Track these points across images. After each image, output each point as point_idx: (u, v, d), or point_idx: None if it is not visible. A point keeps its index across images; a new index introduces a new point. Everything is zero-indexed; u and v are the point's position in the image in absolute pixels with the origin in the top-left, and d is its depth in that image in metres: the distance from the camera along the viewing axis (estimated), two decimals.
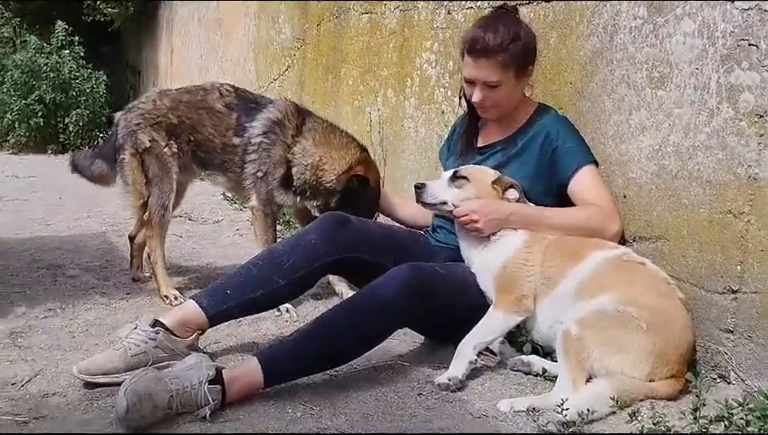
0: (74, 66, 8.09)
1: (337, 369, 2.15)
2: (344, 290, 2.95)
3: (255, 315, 2.52)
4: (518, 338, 2.28)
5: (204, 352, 2.26)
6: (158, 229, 2.97)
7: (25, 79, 7.67)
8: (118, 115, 3.11)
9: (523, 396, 2.05)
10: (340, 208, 2.64)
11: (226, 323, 2.39)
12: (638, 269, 2.12)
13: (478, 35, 2.35)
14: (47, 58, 7.80)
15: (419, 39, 3.61)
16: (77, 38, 8.28)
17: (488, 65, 2.35)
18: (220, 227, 4.44)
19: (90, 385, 2.05)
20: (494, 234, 2.29)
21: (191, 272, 3.38)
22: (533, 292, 2.19)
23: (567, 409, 1.79)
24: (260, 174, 2.92)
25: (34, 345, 2.38)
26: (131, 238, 3.22)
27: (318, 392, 2.04)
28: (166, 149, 2.95)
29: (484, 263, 2.29)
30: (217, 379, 1.90)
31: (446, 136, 2.86)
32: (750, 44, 1.94)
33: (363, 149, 2.97)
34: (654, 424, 1.77)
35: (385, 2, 3.92)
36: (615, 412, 1.87)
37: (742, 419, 1.73)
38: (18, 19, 9.36)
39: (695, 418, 1.77)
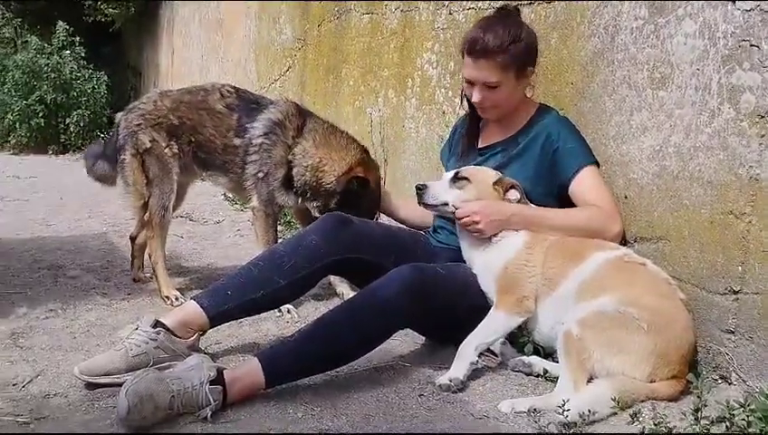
0: (75, 67, 8.10)
1: (338, 369, 2.15)
2: (345, 291, 2.95)
3: (256, 316, 2.52)
4: (519, 339, 2.28)
5: (205, 353, 2.26)
6: (158, 230, 2.97)
7: (26, 79, 7.68)
8: (119, 116, 3.11)
9: (525, 397, 2.05)
10: (340, 209, 2.64)
11: (227, 323, 2.39)
12: (639, 270, 2.12)
13: (478, 36, 2.35)
14: (48, 58, 7.81)
15: (420, 39, 3.61)
16: (78, 38, 8.29)
17: (488, 66, 2.35)
18: (221, 227, 4.44)
19: (91, 386, 2.05)
20: (495, 235, 2.29)
21: (192, 272, 3.38)
22: (535, 293, 2.19)
23: (568, 410, 1.79)
24: (261, 175, 2.92)
25: (36, 346, 2.38)
26: (132, 239, 3.22)
27: (319, 393, 2.04)
28: (166, 150, 2.95)
29: (485, 264, 2.29)
30: (218, 379, 1.90)
31: (447, 136, 2.86)
32: (751, 45, 1.93)
33: (364, 151, 2.97)
34: (655, 425, 1.77)
35: (386, 2, 3.92)
36: (616, 413, 1.87)
37: (743, 420, 1.73)
38: (19, 19, 9.38)
39: (696, 419, 1.77)
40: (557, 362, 2.08)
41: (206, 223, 4.54)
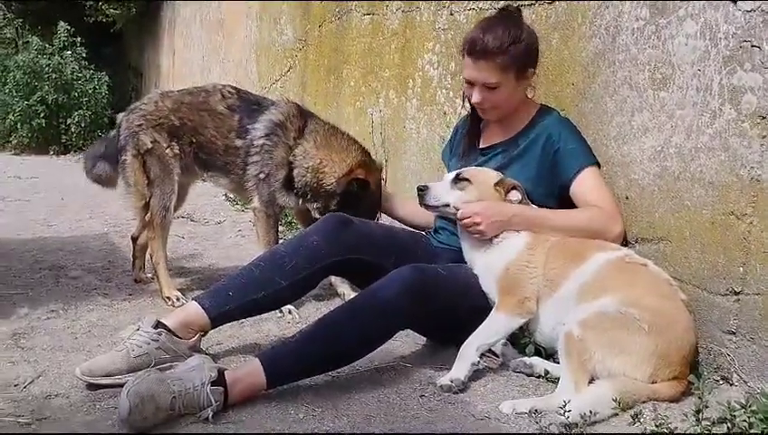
0: (76, 67, 8.11)
1: (339, 370, 2.15)
2: (346, 291, 2.95)
3: (257, 317, 2.53)
4: (520, 340, 2.28)
5: (206, 354, 2.26)
6: (159, 230, 2.97)
7: (27, 80, 7.69)
8: (120, 116, 3.11)
9: (526, 398, 2.05)
10: (341, 211, 2.64)
11: (229, 324, 2.39)
12: (641, 271, 2.12)
13: (478, 37, 2.35)
14: (49, 59, 7.82)
15: (421, 40, 3.61)
16: (79, 39, 8.30)
17: (487, 67, 2.35)
18: (222, 228, 4.45)
19: (92, 386, 2.05)
20: (496, 236, 2.29)
21: (193, 273, 3.39)
22: (536, 294, 2.19)
23: (569, 410, 1.79)
24: (262, 176, 2.93)
25: (37, 346, 2.38)
26: (134, 239, 3.22)
27: (320, 394, 2.04)
28: (168, 151, 2.95)
29: (486, 265, 2.29)
30: (220, 380, 1.90)
31: (449, 137, 2.86)
32: (752, 46, 1.93)
33: (365, 153, 2.97)
34: (656, 426, 1.77)
35: (387, 3, 3.92)
36: (617, 414, 1.87)
37: (744, 421, 1.72)
38: (20, 20, 9.38)
39: (697, 420, 1.77)
40: (558, 362, 2.07)
41: (208, 223, 4.55)
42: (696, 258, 2.13)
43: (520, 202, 2.32)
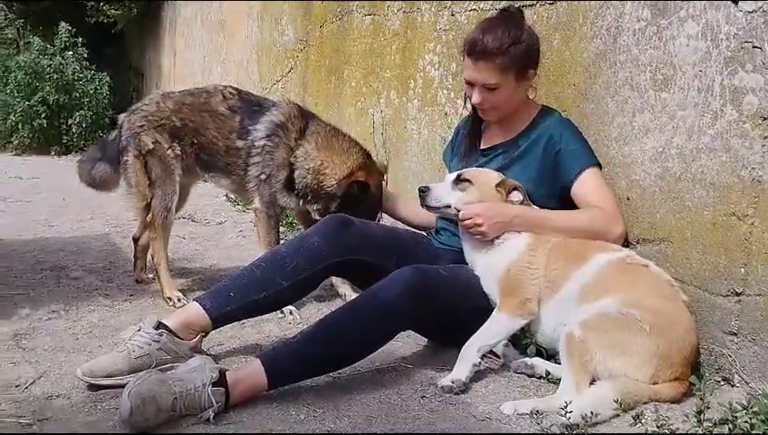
0: (77, 68, 8.11)
1: (340, 371, 2.15)
2: (347, 292, 2.95)
3: (259, 317, 2.52)
4: (522, 340, 2.28)
5: (207, 355, 2.26)
6: (161, 231, 2.98)
7: (29, 80, 7.69)
8: (122, 117, 3.12)
9: (527, 399, 2.05)
10: (341, 213, 2.64)
11: (230, 325, 2.39)
12: (642, 272, 2.12)
13: (478, 38, 2.35)
14: (50, 59, 7.83)
15: (422, 41, 3.61)
16: (80, 39, 8.30)
17: (486, 68, 2.35)
18: (223, 228, 4.45)
19: (93, 387, 2.05)
20: (497, 237, 2.29)
21: (194, 273, 3.39)
22: (537, 295, 2.19)
23: (571, 411, 1.79)
24: (263, 176, 2.93)
25: (38, 347, 2.38)
26: (135, 240, 3.22)
27: (321, 395, 2.04)
28: (169, 151, 2.96)
29: (487, 266, 2.29)
30: (221, 381, 1.90)
31: (450, 137, 2.86)
32: (754, 47, 1.93)
33: (366, 155, 2.97)
34: (658, 427, 1.77)
35: (388, 3, 3.92)
36: (619, 415, 1.87)
37: (746, 422, 1.72)
38: (21, 20, 9.40)
39: (698, 421, 1.77)
40: (559, 363, 2.07)
41: (209, 224, 4.55)
42: (697, 259, 2.13)
43: (521, 203, 2.32)
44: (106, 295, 2.98)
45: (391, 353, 2.34)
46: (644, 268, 2.12)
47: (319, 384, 2.10)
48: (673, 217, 2.21)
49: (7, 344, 2.39)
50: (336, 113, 4.45)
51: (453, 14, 3.35)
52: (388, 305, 2.12)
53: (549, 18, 2.71)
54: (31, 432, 1.82)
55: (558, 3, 2.68)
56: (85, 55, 8.32)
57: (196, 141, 3.00)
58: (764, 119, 1.92)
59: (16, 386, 2.07)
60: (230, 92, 3.06)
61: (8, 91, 7.79)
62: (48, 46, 8.00)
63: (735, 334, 2.03)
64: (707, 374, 2.06)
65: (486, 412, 1.97)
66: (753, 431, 1.71)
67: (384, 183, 3.01)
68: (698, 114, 2.10)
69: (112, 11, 9.75)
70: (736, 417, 1.73)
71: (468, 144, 2.63)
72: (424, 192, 2.38)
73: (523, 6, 2.66)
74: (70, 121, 7.85)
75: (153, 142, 2.94)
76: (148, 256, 3.16)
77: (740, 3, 1.97)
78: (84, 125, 7.87)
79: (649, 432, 1.77)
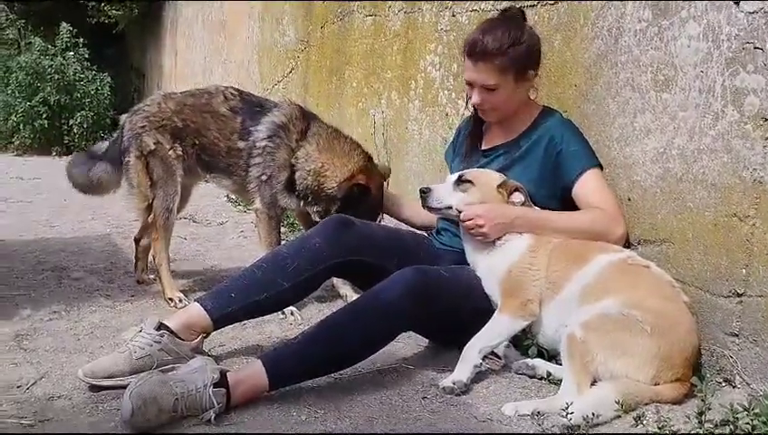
0: (79, 68, 8.10)
1: (341, 372, 2.15)
2: (348, 293, 2.95)
3: (260, 318, 2.52)
4: (523, 341, 2.28)
5: (208, 356, 2.26)
6: (162, 232, 2.98)
7: (30, 81, 7.69)
8: (123, 118, 3.12)
9: (528, 399, 2.05)
10: None
11: (231, 325, 2.39)
12: (643, 272, 2.12)
13: (477, 38, 2.35)
14: (52, 60, 7.82)
15: (423, 41, 3.61)
16: (81, 40, 8.29)
17: (485, 69, 2.35)
18: (224, 229, 4.45)
19: (95, 388, 2.05)
20: (499, 238, 2.29)
21: (196, 274, 3.39)
22: (539, 296, 2.19)
23: (572, 412, 1.79)
24: (264, 177, 2.93)
25: (39, 348, 2.38)
26: (136, 241, 3.22)
27: (322, 396, 2.05)
28: (170, 152, 2.96)
29: (489, 267, 2.29)
30: (222, 382, 1.90)
31: (452, 138, 2.86)
32: (755, 48, 1.93)
33: (367, 157, 2.96)
34: (659, 428, 1.77)
35: (389, 2, 3.92)
36: (620, 416, 1.87)
37: (747, 423, 1.72)
38: (23, 21, 9.40)
39: (700, 422, 1.77)
40: (561, 364, 2.07)
41: (210, 224, 4.54)
42: (698, 260, 2.13)
43: (523, 204, 2.32)
44: (107, 296, 2.98)
45: (392, 354, 2.34)
46: (645, 269, 2.12)
47: (320, 385, 2.10)
48: (674, 217, 2.20)
49: (9, 345, 2.39)
50: (337, 114, 4.45)
51: (454, 15, 3.35)
52: (389, 306, 2.12)
53: (550, 19, 2.71)
54: (32, 433, 1.82)
55: (559, 3, 2.68)
56: (86, 56, 8.31)
57: (197, 142, 3.00)
58: (765, 120, 1.92)
59: (18, 387, 2.07)
60: (232, 93, 3.06)
61: (9, 92, 7.78)
62: (49, 47, 7.99)
63: (737, 335, 2.03)
64: (709, 375, 2.06)
65: (488, 413, 1.97)
66: (755, 433, 1.71)
67: (385, 185, 3.01)
68: (699, 115, 2.10)
69: (113, 11, 9.74)
70: (738, 418, 1.73)
71: (469, 145, 2.63)
72: (425, 193, 2.38)
73: (524, 7, 2.66)
74: (71, 122, 7.84)
75: (155, 143, 2.95)
76: (150, 257, 3.16)
77: (741, 3, 1.97)
78: (85, 125, 7.87)
79: (650, 433, 1.77)
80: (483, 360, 2.18)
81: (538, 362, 2.22)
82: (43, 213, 4.66)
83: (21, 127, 7.72)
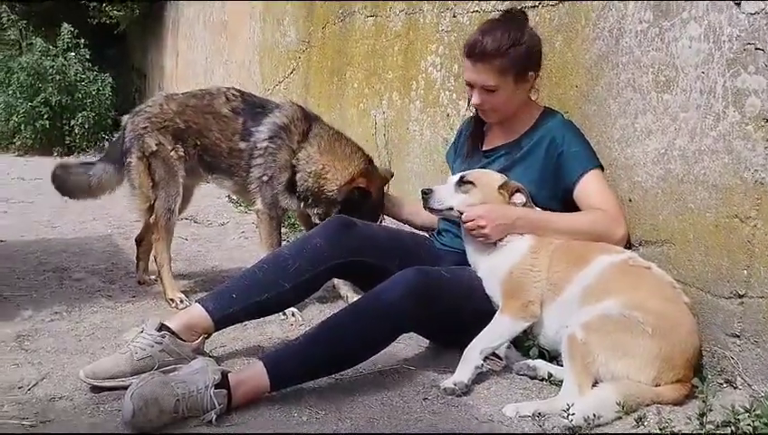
0: (80, 69, 8.12)
1: (342, 373, 2.15)
2: (349, 294, 2.95)
3: (261, 319, 2.52)
4: (524, 342, 2.28)
5: (210, 356, 2.26)
6: (164, 232, 2.98)
7: (31, 81, 7.70)
8: (125, 119, 3.12)
9: (529, 401, 2.05)
10: None
11: (232, 326, 2.39)
12: (644, 273, 2.11)
13: (477, 39, 2.35)
14: (53, 60, 7.84)
15: (425, 42, 3.61)
16: (83, 41, 8.31)
17: (485, 69, 2.35)
18: (225, 229, 4.45)
19: (96, 389, 2.05)
20: (500, 239, 2.29)
21: (197, 275, 3.39)
22: (540, 297, 2.19)
23: (573, 413, 1.79)
24: (265, 178, 2.93)
25: (41, 349, 2.38)
26: (138, 241, 3.23)
27: (323, 396, 2.05)
28: (172, 153, 2.96)
29: (490, 268, 2.29)
30: (223, 383, 1.90)
31: (453, 139, 2.86)
32: (756, 48, 1.93)
33: (368, 160, 2.96)
34: (660, 429, 1.77)
35: (390, 3, 3.92)
36: (621, 417, 1.87)
37: (749, 424, 1.72)
38: (24, 22, 9.39)
39: (701, 423, 1.77)
40: (562, 365, 2.07)
41: (211, 225, 4.55)
42: (699, 261, 2.13)
43: (524, 205, 2.31)
44: (108, 297, 2.98)
45: (393, 355, 2.34)
46: (646, 270, 2.12)
47: (321, 386, 2.10)
48: (675, 218, 2.20)
49: (10, 346, 2.39)
50: (338, 114, 4.45)
51: (455, 16, 3.35)
52: (390, 307, 2.12)
53: (551, 20, 2.71)
54: (33, 433, 1.82)
55: (560, 4, 2.68)
56: (87, 56, 8.32)
57: (199, 143, 3.00)
58: (767, 121, 1.91)
59: (19, 388, 2.08)
60: (233, 94, 3.06)
61: (11, 93, 7.80)
62: (50, 47, 8.01)
63: (738, 337, 2.03)
64: (710, 376, 2.06)
65: (489, 414, 1.97)
66: (756, 434, 1.70)
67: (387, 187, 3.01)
68: (701, 116, 2.10)
69: (115, 12, 9.75)
70: (739, 419, 1.73)
71: (471, 146, 2.63)
72: (427, 194, 2.38)
73: (525, 8, 2.66)
74: (72, 122, 7.86)
75: (156, 144, 2.95)
76: (151, 258, 3.16)
77: (742, 4, 1.97)
78: (87, 126, 7.88)
79: (652, 434, 1.77)
80: (484, 361, 2.18)
81: (539, 363, 2.22)
82: (44, 214, 4.66)
83: (22, 127, 7.73)
